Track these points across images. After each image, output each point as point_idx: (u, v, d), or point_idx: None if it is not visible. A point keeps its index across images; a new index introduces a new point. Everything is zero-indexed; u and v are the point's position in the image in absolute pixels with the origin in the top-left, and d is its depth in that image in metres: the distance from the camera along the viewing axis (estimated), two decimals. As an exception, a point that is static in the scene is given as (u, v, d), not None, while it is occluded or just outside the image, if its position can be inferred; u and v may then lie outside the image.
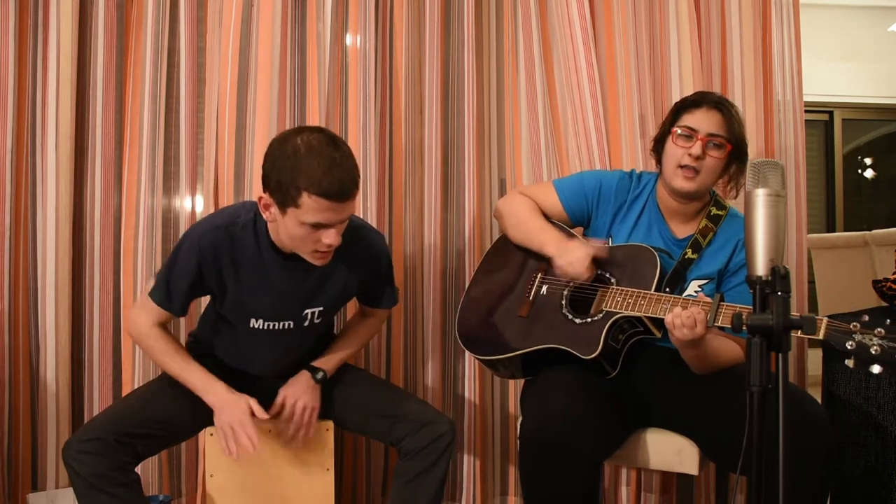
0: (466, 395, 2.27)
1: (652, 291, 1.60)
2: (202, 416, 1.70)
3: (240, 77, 2.16)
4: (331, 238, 1.52)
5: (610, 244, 1.79)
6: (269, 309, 1.68)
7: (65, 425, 2.14)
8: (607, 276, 1.71)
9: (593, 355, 1.59)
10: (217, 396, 1.65)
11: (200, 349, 1.82)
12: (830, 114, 5.43)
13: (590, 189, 1.83)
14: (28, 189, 2.15)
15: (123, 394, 2.09)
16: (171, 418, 1.65)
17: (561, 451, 1.50)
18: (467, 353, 2.25)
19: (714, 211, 1.75)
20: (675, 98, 2.02)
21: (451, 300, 2.29)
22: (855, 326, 1.19)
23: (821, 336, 1.26)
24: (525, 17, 2.29)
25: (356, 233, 1.69)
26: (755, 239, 1.11)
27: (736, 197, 1.89)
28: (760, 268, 1.10)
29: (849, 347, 1.19)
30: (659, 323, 1.61)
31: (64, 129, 2.14)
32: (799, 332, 1.11)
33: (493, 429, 2.32)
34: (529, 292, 1.80)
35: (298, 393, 1.72)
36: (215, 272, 1.62)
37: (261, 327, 1.70)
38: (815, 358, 2.19)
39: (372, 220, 2.19)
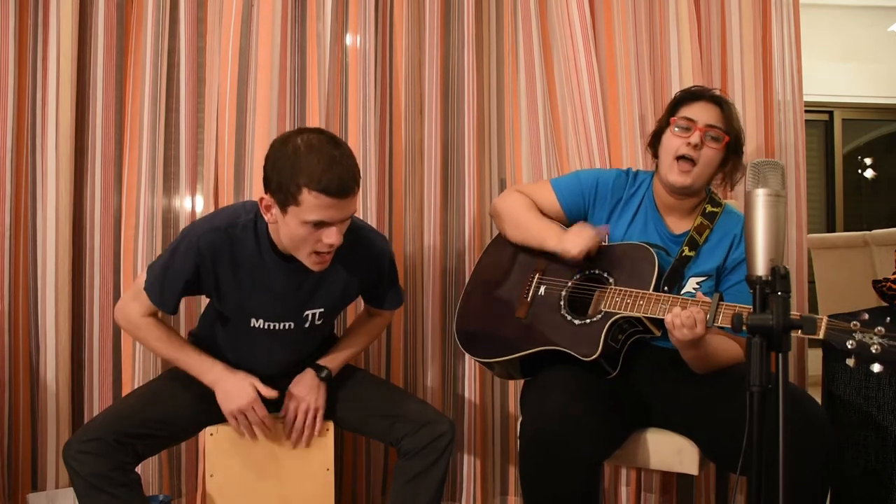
0: (466, 395, 2.27)
1: (650, 291, 1.60)
2: (202, 415, 1.70)
3: (240, 77, 2.16)
4: (332, 237, 1.51)
5: (607, 240, 1.79)
6: (268, 310, 1.68)
7: (65, 425, 2.14)
8: (605, 275, 1.71)
9: (593, 357, 1.59)
10: (217, 376, 1.67)
11: (201, 346, 1.82)
12: (830, 114, 5.43)
13: (587, 187, 1.84)
14: (28, 189, 2.15)
15: (123, 394, 2.09)
16: (171, 418, 1.65)
17: (560, 450, 1.50)
18: (467, 354, 2.25)
19: (709, 208, 1.75)
20: (675, 98, 2.02)
21: (451, 300, 2.29)
22: (855, 325, 1.19)
23: (821, 335, 1.26)
24: (525, 17, 2.29)
25: (357, 234, 1.69)
26: (755, 239, 1.11)
27: (732, 189, 1.89)
28: (760, 268, 1.10)
29: (849, 346, 1.19)
30: (658, 322, 1.61)
31: (64, 129, 2.14)
32: (799, 332, 1.11)
33: (493, 429, 2.32)
34: (527, 293, 1.79)
35: (303, 394, 1.72)
36: (213, 274, 1.62)
37: (261, 327, 1.70)
38: (815, 358, 2.19)
39: (372, 220, 2.19)
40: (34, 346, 2.14)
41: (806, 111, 2.41)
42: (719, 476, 1.91)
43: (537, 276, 1.80)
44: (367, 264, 1.74)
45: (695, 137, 1.66)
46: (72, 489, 1.56)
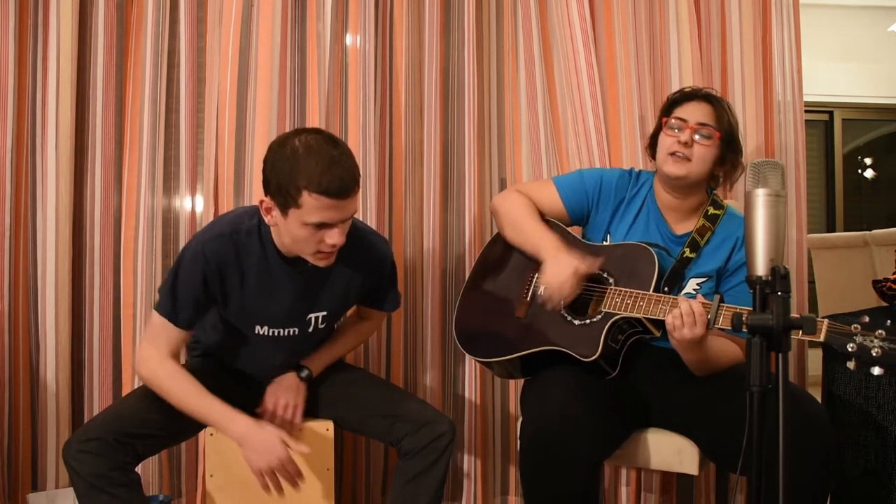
0: (467, 394, 2.27)
1: (650, 292, 1.60)
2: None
3: (240, 77, 2.16)
4: (334, 238, 1.51)
5: (608, 242, 1.79)
6: (275, 316, 1.68)
7: (65, 425, 2.14)
8: (605, 275, 1.71)
9: (593, 357, 1.59)
10: (244, 431, 1.57)
11: (201, 349, 1.82)
12: (830, 114, 5.43)
13: (590, 185, 1.83)
14: (28, 189, 2.15)
15: (123, 394, 2.09)
16: (171, 418, 1.65)
17: (560, 450, 1.50)
18: (467, 353, 2.25)
19: (711, 210, 1.75)
20: (676, 98, 2.02)
21: (451, 300, 2.29)
22: (856, 328, 1.19)
23: (822, 338, 1.26)
24: (525, 17, 2.29)
25: (360, 237, 1.68)
26: (755, 239, 1.11)
27: (731, 188, 1.89)
28: (760, 268, 1.10)
29: (850, 349, 1.19)
30: (658, 323, 1.61)
31: (64, 129, 2.13)
32: (800, 332, 1.11)
33: (494, 429, 2.32)
34: (527, 293, 1.79)
35: (280, 391, 1.73)
36: (219, 281, 1.60)
37: (266, 334, 1.70)
38: (815, 358, 2.19)
39: (372, 221, 2.19)
40: (34, 346, 2.13)
41: (806, 111, 2.41)
42: (719, 476, 1.91)
43: (537, 275, 1.79)
44: (368, 267, 1.74)
45: (685, 135, 1.68)
46: (72, 489, 1.55)
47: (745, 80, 2.30)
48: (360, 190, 1.55)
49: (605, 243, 1.79)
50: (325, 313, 1.73)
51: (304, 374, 1.77)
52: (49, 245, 2.12)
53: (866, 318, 1.19)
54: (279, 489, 1.57)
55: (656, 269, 1.63)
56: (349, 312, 1.94)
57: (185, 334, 1.64)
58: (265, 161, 1.52)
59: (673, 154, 1.69)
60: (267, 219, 1.56)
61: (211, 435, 1.73)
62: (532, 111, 2.28)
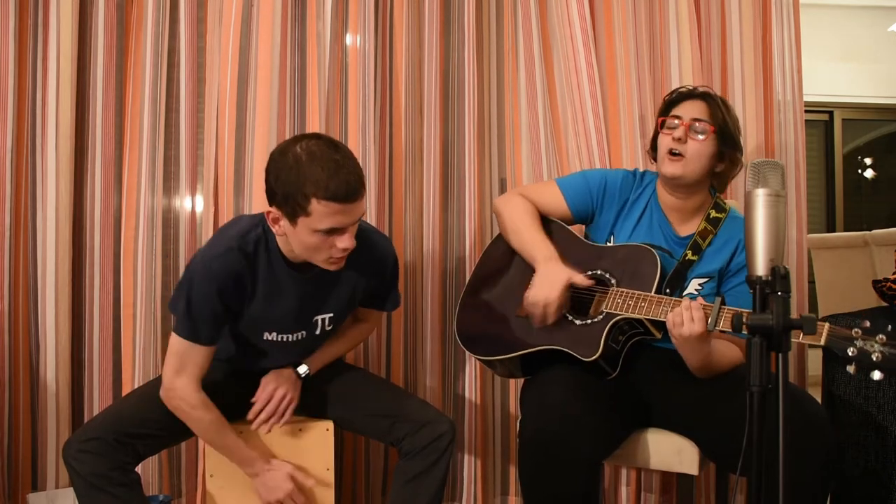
0: (467, 394, 2.27)
1: (652, 293, 1.60)
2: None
3: (240, 77, 2.15)
4: (345, 242, 1.51)
5: (612, 243, 1.80)
6: (283, 322, 1.68)
7: (65, 425, 2.14)
8: (607, 276, 1.71)
9: (593, 357, 1.59)
10: (257, 470, 1.67)
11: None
12: (830, 114, 5.43)
13: (594, 186, 1.84)
14: (28, 189, 2.15)
15: (123, 394, 2.09)
16: (171, 418, 1.65)
17: (560, 450, 1.50)
18: (467, 353, 2.24)
19: (713, 213, 1.75)
20: (676, 98, 2.02)
21: (451, 300, 2.29)
22: (856, 333, 1.19)
23: (822, 342, 1.26)
24: (525, 17, 2.29)
25: (364, 237, 1.68)
26: (755, 239, 1.11)
27: (726, 187, 1.90)
28: (760, 268, 1.10)
29: (850, 354, 1.19)
30: (659, 324, 1.61)
31: (64, 129, 2.13)
32: (801, 333, 1.11)
33: (494, 429, 2.32)
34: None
35: (280, 381, 1.73)
36: (236, 294, 1.59)
37: (275, 339, 1.70)
38: (815, 358, 2.19)
39: (372, 221, 2.19)
40: (34, 346, 2.13)
41: (806, 111, 2.40)
42: (719, 476, 1.91)
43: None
44: (372, 267, 1.74)
45: (679, 131, 1.69)
46: (72, 489, 1.55)
47: (745, 80, 2.30)
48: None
49: (608, 244, 1.80)
50: (331, 315, 1.73)
51: (302, 370, 1.77)
52: (49, 245, 2.12)
53: (867, 323, 1.18)
54: None
55: (658, 271, 1.63)
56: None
57: (210, 351, 1.61)
58: (268, 172, 1.51)
59: (669, 152, 1.70)
60: (275, 229, 1.55)
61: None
62: (532, 111, 2.28)
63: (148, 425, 1.62)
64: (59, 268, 2.12)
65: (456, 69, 2.31)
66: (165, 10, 2.18)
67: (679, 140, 1.68)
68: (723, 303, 1.43)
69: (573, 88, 2.26)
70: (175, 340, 1.59)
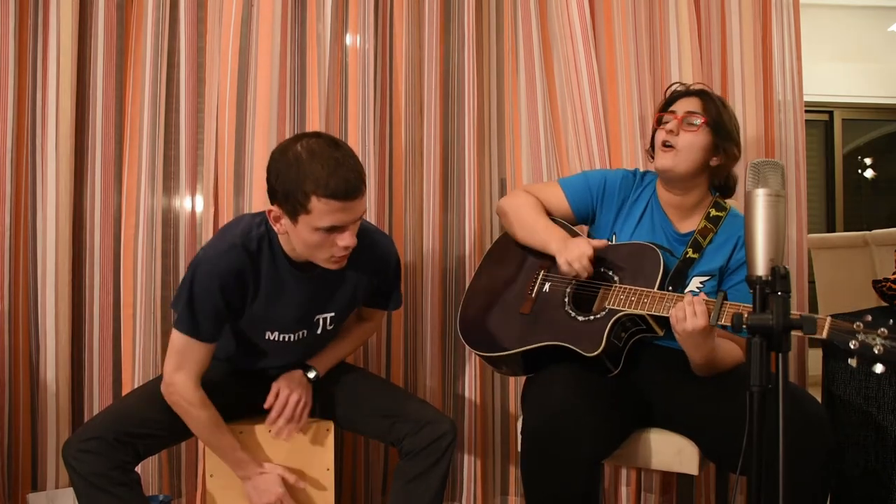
0: (466, 394, 2.27)
1: (655, 290, 1.61)
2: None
3: (240, 77, 2.16)
4: (346, 240, 1.51)
5: (614, 242, 1.80)
6: (285, 321, 1.68)
7: (65, 425, 2.14)
8: (610, 273, 1.71)
9: (596, 353, 1.59)
10: (249, 473, 1.67)
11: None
12: (830, 114, 5.44)
13: (594, 185, 1.86)
14: (28, 189, 2.15)
15: (123, 393, 2.09)
16: (172, 418, 1.65)
17: (561, 447, 1.50)
18: (467, 353, 2.25)
19: (714, 212, 1.76)
20: (675, 98, 2.02)
21: (451, 300, 2.29)
22: (858, 326, 1.20)
23: (824, 335, 1.26)
24: (525, 18, 2.29)
25: (365, 236, 1.68)
26: (755, 239, 1.11)
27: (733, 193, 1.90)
28: (760, 268, 1.10)
29: (852, 347, 1.19)
30: (661, 321, 1.61)
31: (64, 129, 2.13)
32: (800, 332, 1.11)
33: (494, 429, 2.32)
34: (532, 289, 1.80)
35: (292, 386, 1.72)
36: (239, 292, 1.59)
37: (276, 339, 1.70)
38: (815, 358, 2.19)
39: (372, 221, 2.19)
40: (34, 346, 2.13)
41: (806, 111, 2.40)
42: (719, 476, 1.91)
43: (542, 272, 1.80)
44: (374, 266, 1.75)
45: (671, 124, 1.72)
46: (72, 489, 1.55)
47: (745, 80, 2.30)
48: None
49: (611, 242, 1.80)
50: (333, 314, 1.73)
51: (312, 374, 1.77)
52: (49, 245, 2.12)
53: (869, 317, 1.19)
54: None
55: (661, 268, 1.64)
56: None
57: (210, 349, 1.61)
58: (269, 170, 1.51)
59: (662, 144, 1.73)
60: (276, 227, 1.55)
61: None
62: (532, 111, 2.28)
63: (148, 425, 1.62)
64: (59, 268, 2.12)
65: (456, 69, 2.31)
66: (165, 10, 2.18)
67: (672, 132, 1.71)
68: (725, 298, 1.44)
69: (573, 88, 2.26)
70: (176, 336, 1.59)
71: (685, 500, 1.82)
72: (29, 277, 2.14)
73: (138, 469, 1.60)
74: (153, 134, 2.17)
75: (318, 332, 1.73)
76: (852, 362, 1.19)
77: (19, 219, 2.13)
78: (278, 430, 1.70)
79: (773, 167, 1.13)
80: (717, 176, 1.78)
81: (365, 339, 1.96)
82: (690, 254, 1.71)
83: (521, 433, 1.60)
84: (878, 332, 1.18)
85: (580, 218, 1.89)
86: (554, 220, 1.87)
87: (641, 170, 1.92)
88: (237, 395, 1.75)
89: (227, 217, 2.12)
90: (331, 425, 1.78)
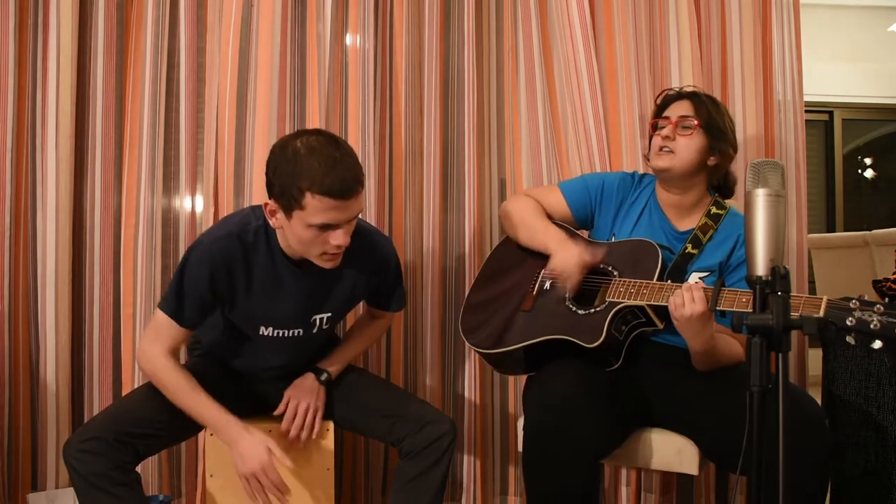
0: (466, 395, 2.27)
1: (654, 281, 1.61)
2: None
3: (240, 77, 2.16)
4: (339, 239, 1.51)
5: (614, 239, 1.82)
6: (280, 317, 1.68)
7: (65, 425, 2.14)
8: (610, 269, 1.73)
9: (596, 343, 1.60)
10: (234, 436, 1.59)
11: (202, 350, 1.82)
12: (830, 114, 5.44)
13: (593, 187, 1.88)
14: (28, 189, 2.15)
15: (123, 394, 2.09)
16: (172, 418, 1.65)
17: (561, 444, 1.51)
18: (467, 353, 2.25)
19: (714, 210, 1.77)
20: (676, 98, 2.03)
21: (451, 300, 2.29)
22: (854, 304, 1.21)
23: (821, 313, 1.27)
24: (525, 18, 2.29)
25: (364, 237, 1.68)
26: (755, 239, 1.12)
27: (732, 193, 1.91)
28: (760, 268, 1.10)
29: (849, 323, 1.20)
30: (661, 313, 1.62)
31: (64, 129, 2.13)
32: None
33: (493, 429, 2.32)
34: (533, 287, 1.81)
35: (302, 394, 1.72)
36: (228, 281, 1.60)
37: (270, 334, 1.70)
38: (815, 358, 2.19)
39: (372, 221, 2.19)
40: (34, 346, 2.13)
41: (806, 111, 2.40)
42: (719, 476, 1.91)
43: (543, 271, 1.82)
44: (373, 267, 1.74)
45: (667, 129, 1.75)
46: (72, 489, 1.55)
47: (745, 80, 2.30)
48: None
49: (610, 241, 1.82)
50: (329, 315, 1.73)
51: (324, 377, 1.77)
52: (49, 245, 2.12)
53: (865, 296, 1.20)
54: (264, 497, 1.58)
55: (660, 262, 1.66)
56: (360, 313, 1.94)
57: (188, 333, 1.65)
58: (268, 164, 1.52)
59: (660, 149, 1.76)
60: (272, 221, 1.56)
61: (211, 435, 1.73)
62: (532, 111, 2.28)
63: (148, 425, 1.62)
64: (59, 268, 2.12)
65: (456, 69, 2.31)
66: (165, 10, 2.18)
67: (668, 138, 1.74)
68: (723, 284, 1.45)
69: (573, 88, 2.26)
70: (159, 314, 1.62)
71: (685, 500, 1.82)
72: (29, 277, 2.14)
73: (138, 469, 1.60)
74: (153, 134, 2.17)
75: (314, 331, 1.73)
76: (850, 339, 1.20)
77: (19, 219, 2.13)
78: (292, 438, 1.71)
79: (773, 167, 1.13)
80: (714, 175, 1.80)
81: (377, 337, 1.97)
82: (690, 249, 1.73)
83: (523, 429, 1.61)
84: (875, 308, 1.19)
85: (580, 220, 1.91)
86: (554, 223, 1.89)
87: (641, 171, 1.93)
88: (234, 395, 1.75)
89: (227, 217, 2.12)
90: (331, 425, 1.78)
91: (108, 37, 2.20)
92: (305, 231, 1.50)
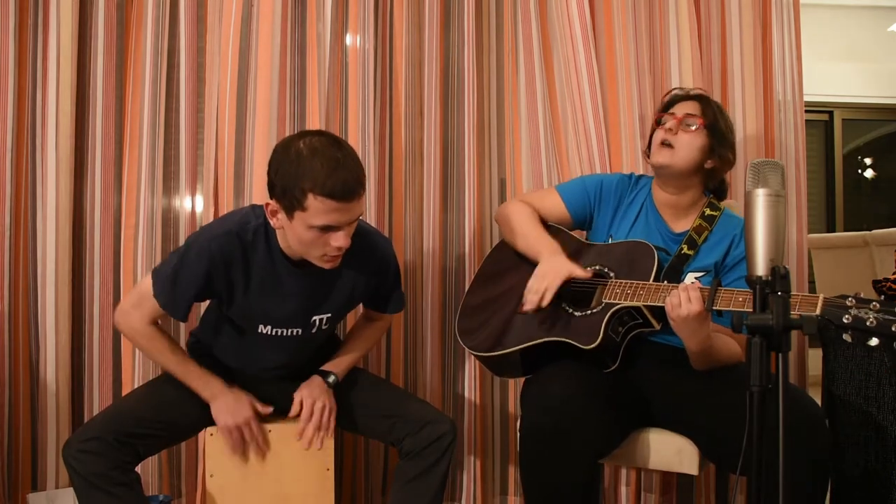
0: (466, 395, 2.27)
1: (650, 282, 1.61)
2: (202, 415, 1.69)
3: (240, 77, 2.16)
4: (340, 241, 1.51)
5: (612, 240, 1.82)
6: (279, 316, 1.68)
7: (65, 425, 2.14)
8: (606, 270, 1.72)
9: (593, 345, 1.60)
10: (215, 391, 1.66)
11: (201, 349, 1.82)
12: (830, 114, 5.44)
13: (591, 188, 1.88)
14: (28, 189, 2.15)
15: (123, 394, 2.09)
16: (172, 418, 1.65)
17: (559, 444, 1.51)
18: (467, 353, 2.25)
19: (708, 211, 1.78)
20: (675, 98, 2.03)
21: (450, 300, 2.29)
22: (851, 302, 1.21)
23: (817, 311, 1.27)
24: (525, 18, 2.29)
25: (364, 239, 1.68)
26: (755, 239, 1.11)
27: (726, 195, 1.91)
28: (760, 268, 1.10)
29: (845, 321, 1.20)
30: (658, 314, 1.62)
31: (64, 129, 2.13)
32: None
33: (493, 429, 2.32)
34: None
35: (316, 394, 1.72)
36: (225, 279, 1.60)
37: (269, 333, 1.70)
38: (815, 358, 2.19)
39: (372, 221, 2.19)
40: (34, 346, 2.13)
41: (806, 111, 2.41)
42: (719, 476, 1.91)
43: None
44: (372, 269, 1.74)
45: (670, 123, 1.76)
46: (72, 489, 1.55)
47: (745, 81, 2.30)
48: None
49: (606, 243, 1.82)
50: (328, 315, 1.73)
51: (331, 379, 1.77)
52: (49, 245, 2.12)
53: (861, 293, 1.20)
54: (245, 449, 1.65)
55: (655, 262, 1.66)
56: (357, 315, 1.94)
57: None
58: (270, 164, 1.52)
59: (661, 143, 1.76)
60: (273, 222, 1.56)
61: (211, 435, 1.73)
62: (532, 111, 2.28)
63: (148, 425, 1.62)
64: (59, 268, 2.12)
65: (456, 69, 2.31)
66: (165, 10, 2.18)
67: (670, 131, 1.74)
68: (719, 284, 1.45)
69: (573, 89, 2.26)
70: (145, 288, 1.63)
71: (685, 500, 1.82)
72: (29, 277, 2.14)
73: (138, 469, 1.60)
74: (153, 134, 2.17)
75: (313, 331, 1.73)
76: (847, 337, 1.20)
77: (19, 219, 2.13)
78: (308, 440, 1.70)
79: (773, 167, 1.13)
80: (711, 179, 1.81)
81: (377, 338, 1.97)
82: (685, 250, 1.73)
83: (520, 430, 1.61)
84: (871, 305, 1.19)
85: (578, 222, 1.91)
86: (550, 227, 1.89)
87: (641, 171, 1.94)
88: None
89: (227, 217, 2.12)
90: (331, 425, 1.78)
91: (108, 37, 2.20)
92: (306, 232, 1.50)
